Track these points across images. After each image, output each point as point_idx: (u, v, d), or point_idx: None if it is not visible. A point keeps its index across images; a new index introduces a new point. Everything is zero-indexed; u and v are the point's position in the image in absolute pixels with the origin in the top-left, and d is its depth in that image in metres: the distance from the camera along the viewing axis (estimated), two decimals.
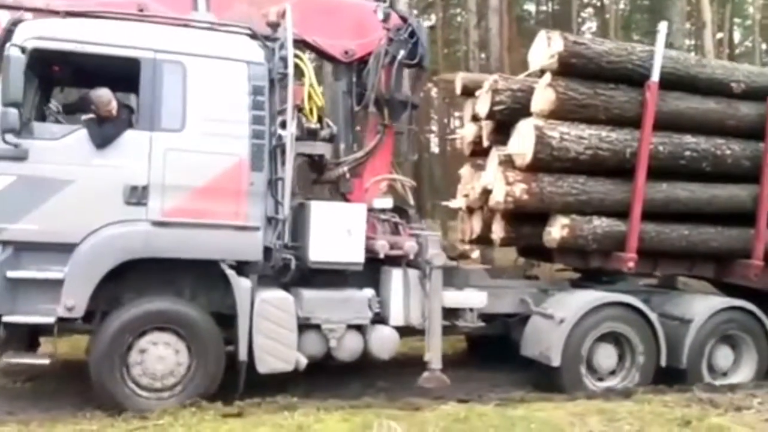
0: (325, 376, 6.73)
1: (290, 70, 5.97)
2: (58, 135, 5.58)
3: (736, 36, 27.36)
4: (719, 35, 23.97)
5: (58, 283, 5.38)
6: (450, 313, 6.75)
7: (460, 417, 5.28)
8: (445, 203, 8.91)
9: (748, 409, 5.96)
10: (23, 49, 5.30)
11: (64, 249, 5.44)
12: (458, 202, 8.37)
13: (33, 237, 5.39)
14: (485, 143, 7.89)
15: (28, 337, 5.73)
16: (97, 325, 5.66)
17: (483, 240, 8.14)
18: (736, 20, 26.88)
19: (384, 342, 6.48)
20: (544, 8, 29.92)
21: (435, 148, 29.71)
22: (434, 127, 29.10)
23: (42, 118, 6.03)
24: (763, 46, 27.69)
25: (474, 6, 20.87)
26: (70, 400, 5.85)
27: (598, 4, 28.82)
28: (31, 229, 5.38)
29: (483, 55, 21.35)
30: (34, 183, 5.40)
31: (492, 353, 7.89)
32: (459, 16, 28.46)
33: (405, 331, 6.70)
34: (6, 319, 5.33)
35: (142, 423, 5.10)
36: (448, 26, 29.24)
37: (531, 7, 29.59)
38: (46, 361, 5.61)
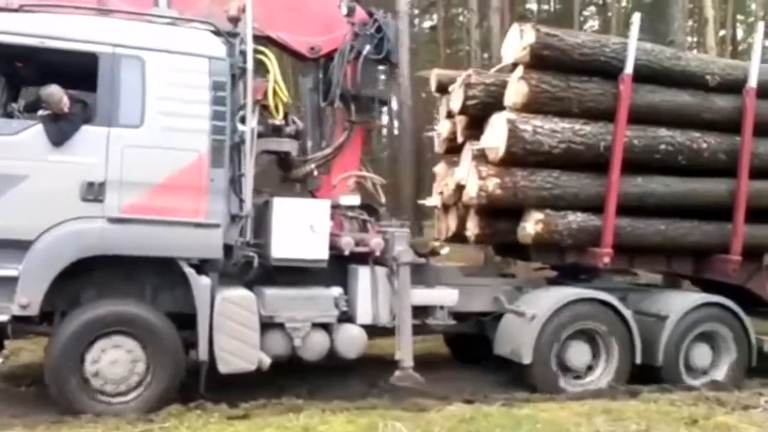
0: (328, 377, 6.68)
1: (249, 65, 5.88)
2: (15, 130, 5.48)
3: (739, 33, 26.99)
4: (722, 32, 23.68)
5: (13, 281, 5.28)
6: (420, 312, 6.66)
7: (465, 417, 5.22)
8: (421, 201, 8.80)
9: (755, 408, 5.89)
10: None
11: (20, 246, 5.33)
12: (433, 200, 8.26)
13: None
14: (459, 139, 7.79)
15: None
16: (56, 327, 5.58)
17: (459, 238, 8.03)
18: (739, 17, 26.54)
19: (351, 341, 6.37)
20: (545, 7, 29.73)
21: (438, 148, 29.47)
22: (436, 127, 28.93)
23: (9, 116, 5.91)
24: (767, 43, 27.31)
25: (475, 5, 20.76)
26: None
27: (600, 2, 28.61)
28: None
29: (486, 55, 21.23)
30: None
31: (473, 353, 7.80)
32: (461, 15, 28.34)
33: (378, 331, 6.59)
34: None
35: (147, 426, 5.02)
36: (449, 26, 29.14)
37: (533, 6, 29.39)
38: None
